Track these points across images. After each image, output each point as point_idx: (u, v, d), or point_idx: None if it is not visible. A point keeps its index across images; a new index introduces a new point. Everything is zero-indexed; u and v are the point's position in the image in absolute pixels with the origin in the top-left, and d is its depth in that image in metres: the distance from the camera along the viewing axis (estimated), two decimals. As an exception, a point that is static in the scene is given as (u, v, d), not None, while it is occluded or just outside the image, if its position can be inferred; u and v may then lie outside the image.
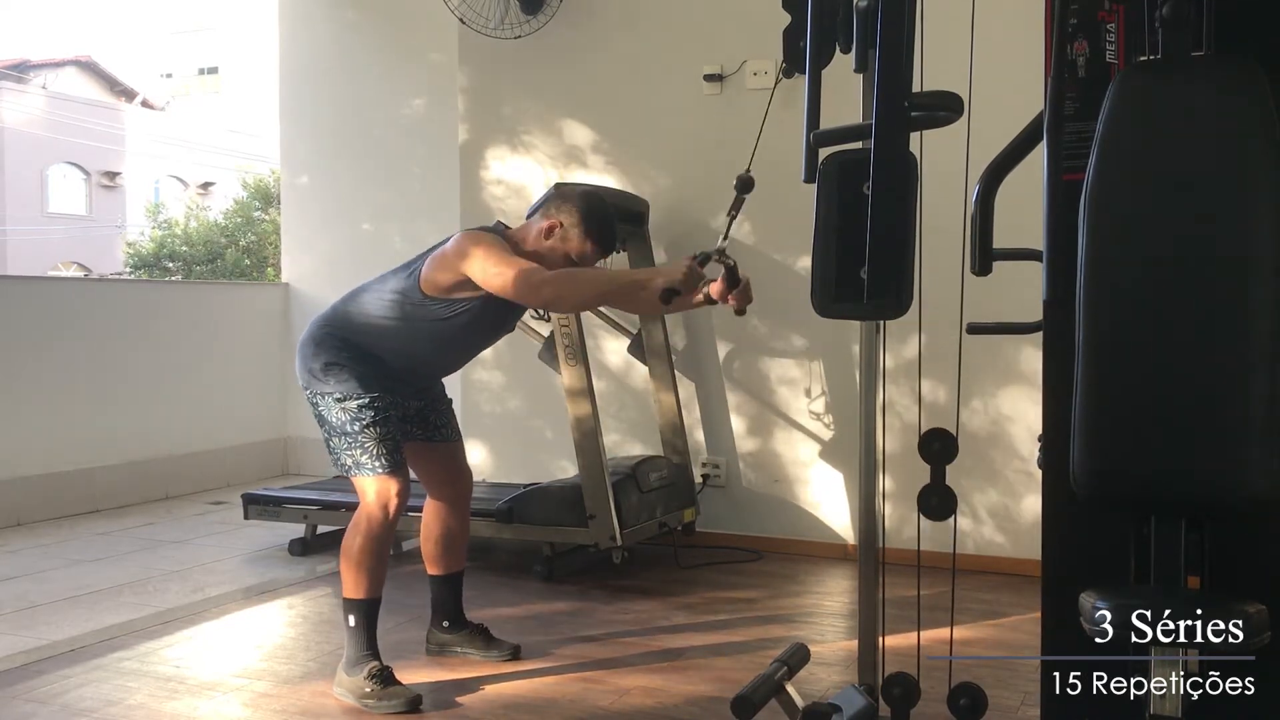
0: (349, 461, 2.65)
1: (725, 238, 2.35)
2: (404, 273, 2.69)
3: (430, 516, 2.94)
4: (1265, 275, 1.47)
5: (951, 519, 1.93)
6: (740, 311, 2.48)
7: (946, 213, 2.01)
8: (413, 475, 2.78)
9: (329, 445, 2.69)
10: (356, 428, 2.63)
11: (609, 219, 2.71)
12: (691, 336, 4.37)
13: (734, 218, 2.32)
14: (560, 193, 2.76)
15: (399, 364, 2.71)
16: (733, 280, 2.39)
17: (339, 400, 2.64)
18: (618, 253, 4.23)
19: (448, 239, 2.66)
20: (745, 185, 2.30)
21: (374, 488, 2.64)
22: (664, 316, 4.20)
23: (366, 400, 2.64)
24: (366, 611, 2.67)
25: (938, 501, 1.92)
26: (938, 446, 1.92)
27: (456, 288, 2.60)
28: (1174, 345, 1.51)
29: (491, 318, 2.71)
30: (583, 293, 2.64)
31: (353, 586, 2.66)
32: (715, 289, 2.43)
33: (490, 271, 2.52)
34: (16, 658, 2.97)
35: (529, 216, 2.90)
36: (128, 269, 19.41)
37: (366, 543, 2.64)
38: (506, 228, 2.77)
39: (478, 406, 4.74)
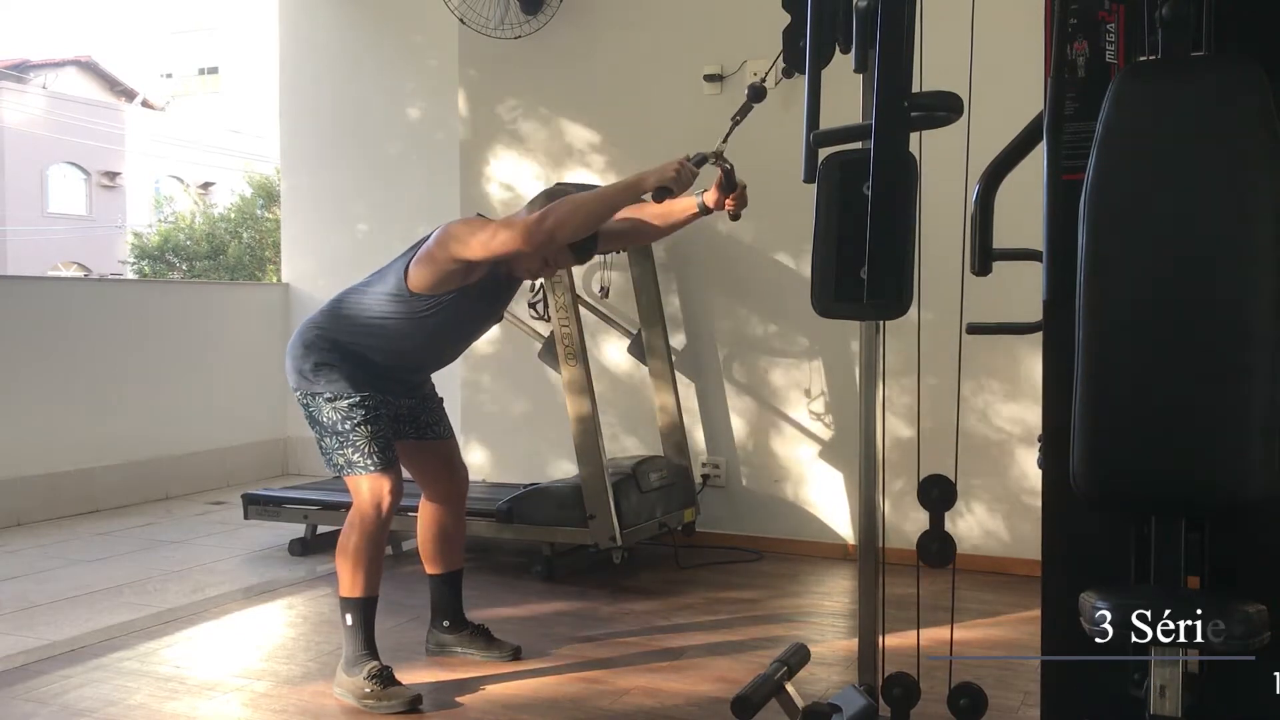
0: (341, 461, 2.66)
1: (725, 140, 2.38)
2: (390, 272, 2.70)
3: (425, 516, 2.95)
4: (1265, 275, 1.46)
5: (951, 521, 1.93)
6: (735, 216, 2.53)
7: (946, 213, 2.01)
8: (407, 475, 2.78)
9: (321, 445, 2.70)
10: (347, 426, 2.64)
11: None
12: (691, 336, 4.37)
13: (738, 122, 2.33)
14: (549, 193, 2.76)
15: (389, 362, 2.72)
16: (729, 184, 2.44)
17: (329, 400, 2.65)
18: (617, 253, 4.25)
19: (429, 235, 2.67)
20: (758, 94, 2.30)
21: (366, 486, 2.65)
22: (664, 317, 4.21)
23: (357, 399, 2.65)
24: (364, 610, 2.68)
25: (938, 548, 1.92)
26: (936, 494, 1.91)
27: (443, 281, 2.61)
28: (1174, 345, 1.51)
29: (479, 309, 2.74)
30: (585, 210, 2.55)
31: (349, 585, 2.67)
32: (710, 196, 2.48)
33: (493, 241, 2.54)
34: (16, 658, 2.97)
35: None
36: (131, 259, 19.52)
37: (361, 541, 2.65)
38: (485, 219, 2.79)
39: (478, 406, 4.74)
